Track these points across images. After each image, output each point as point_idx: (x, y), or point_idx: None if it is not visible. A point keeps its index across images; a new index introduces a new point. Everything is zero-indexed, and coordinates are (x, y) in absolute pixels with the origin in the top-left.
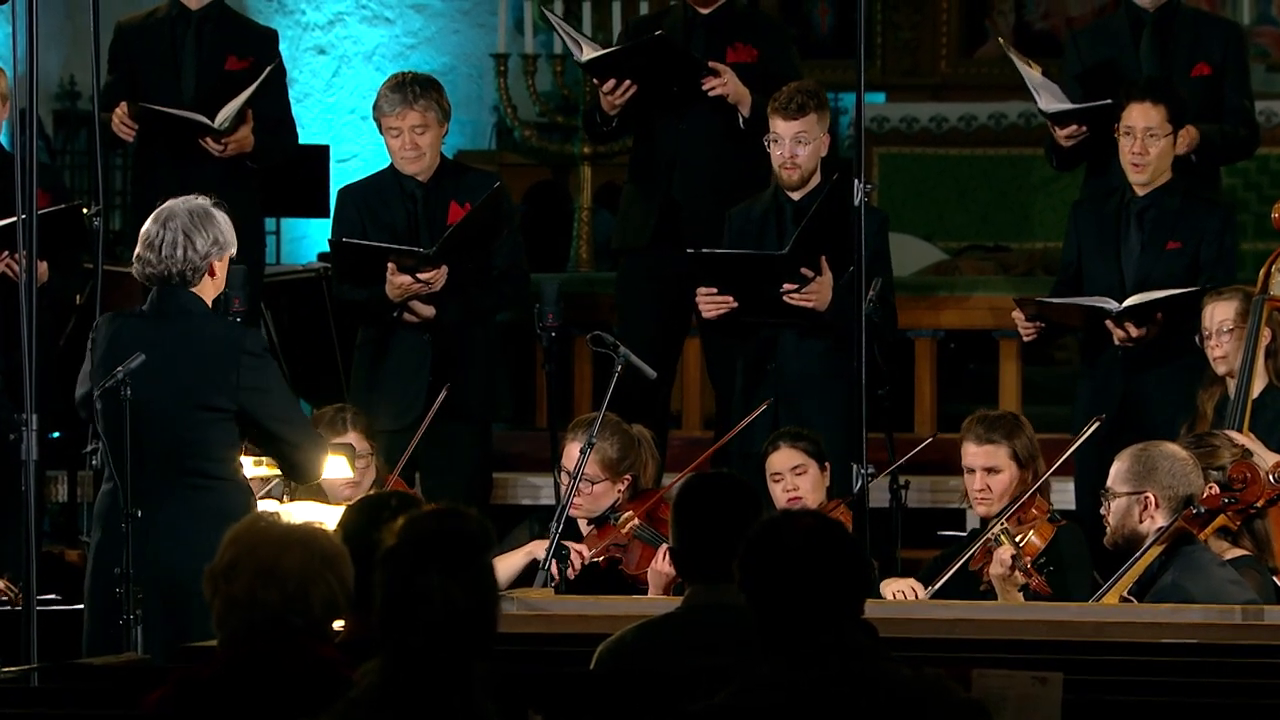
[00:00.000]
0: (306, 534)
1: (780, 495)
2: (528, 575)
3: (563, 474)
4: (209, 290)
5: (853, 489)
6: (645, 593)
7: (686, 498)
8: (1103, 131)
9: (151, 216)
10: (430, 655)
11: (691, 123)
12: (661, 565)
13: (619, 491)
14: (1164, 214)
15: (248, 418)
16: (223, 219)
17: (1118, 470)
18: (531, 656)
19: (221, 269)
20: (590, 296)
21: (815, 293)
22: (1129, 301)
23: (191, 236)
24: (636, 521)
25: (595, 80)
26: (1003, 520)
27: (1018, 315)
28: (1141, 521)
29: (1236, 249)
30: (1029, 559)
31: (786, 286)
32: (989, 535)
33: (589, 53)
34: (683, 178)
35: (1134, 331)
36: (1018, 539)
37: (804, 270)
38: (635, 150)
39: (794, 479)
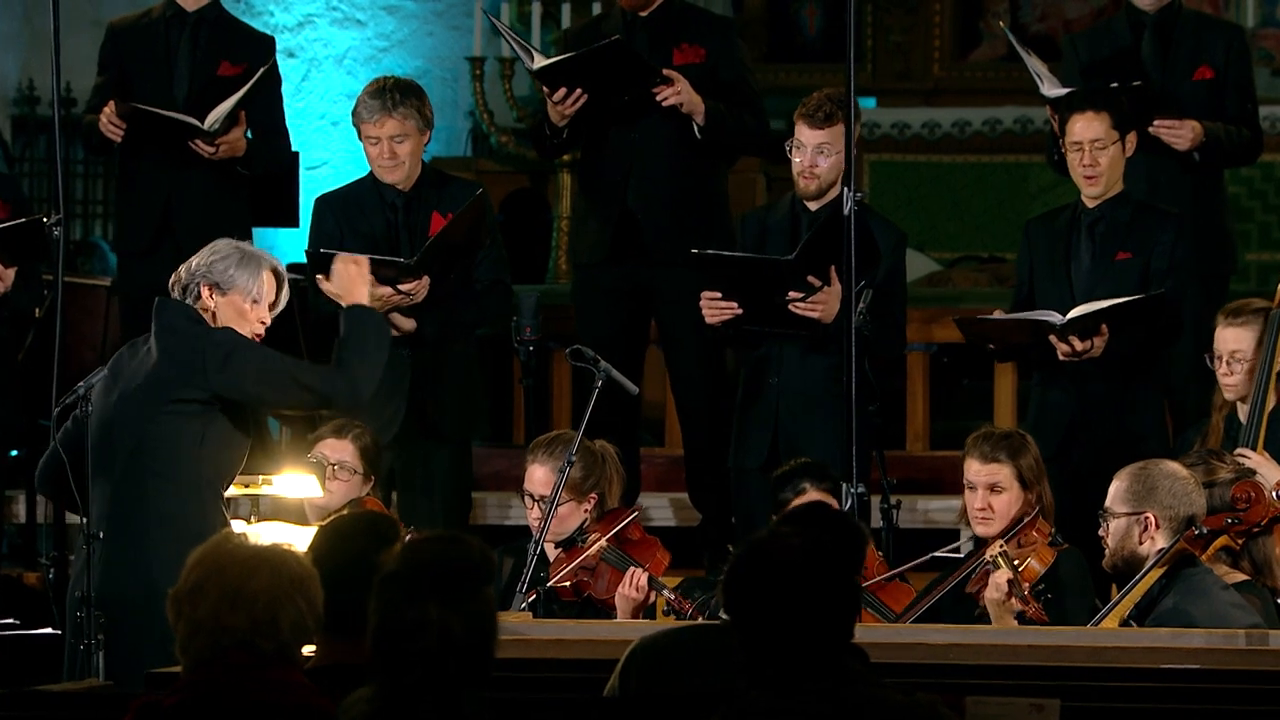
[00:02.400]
0: (275, 555)
1: None
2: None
3: (526, 497)
4: (205, 310)
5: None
6: (614, 617)
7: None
8: None
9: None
10: (425, 686)
11: (644, 132)
12: (628, 590)
13: (585, 511)
14: (1114, 225)
15: (235, 392)
16: (265, 275)
17: (1116, 490)
18: (509, 683)
19: (227, 306)
20: (570, 309)
21: (821, 303)
22: (1072, 314)
23: (217, 255)
24: (604, 544)
25: (545, 89)
26: (1001, 543)
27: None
28: (1141, 543)
29: (1236, 259)
30: (1027, 584)
31: (792, 295)
32: (986, 558)
33: (540, 60)
34: (639, 188)
35: (1078, 345)
36: (1016, 564)
37: (811, 279)
38: (584, 162)
39: None
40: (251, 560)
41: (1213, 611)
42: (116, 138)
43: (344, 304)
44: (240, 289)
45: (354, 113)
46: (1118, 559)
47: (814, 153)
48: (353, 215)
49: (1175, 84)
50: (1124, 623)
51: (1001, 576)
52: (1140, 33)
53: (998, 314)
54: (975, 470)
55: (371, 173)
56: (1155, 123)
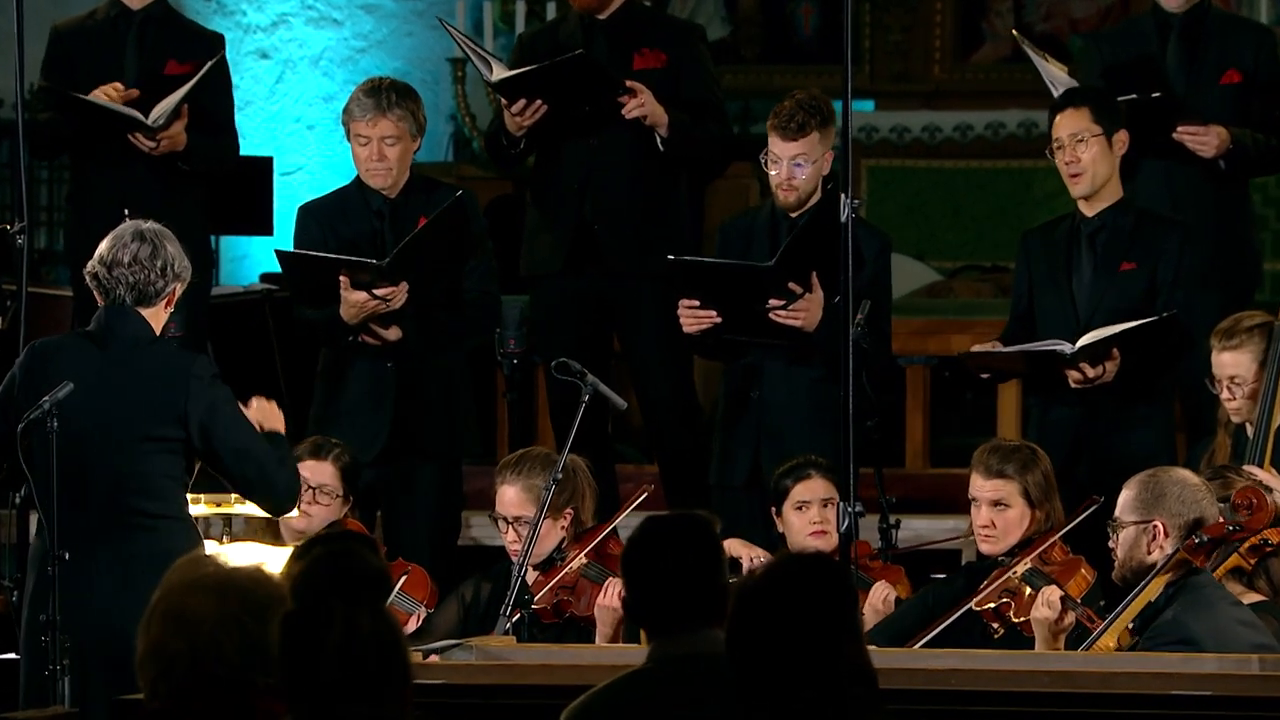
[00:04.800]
0: (224, 577)
1: (803, 525)
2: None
3: (499, 521)
4: (158, 319)
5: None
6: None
7: (638, 544)
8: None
9: (124, 232)
10: (339, 690)
11: (603, 141)
12: (606, 600)
13: (562, 529)
14: (1116, 234)
15: (199, 448)
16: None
17: (1125, 499)
18: (492, 710)
19: (173, 300)
20: None
21: (804, 310)
22: (1082, 341)
23: (171, 251)
24: (583, 559)
25: (504, 101)
26: (1028, 560)
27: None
28: (1150, 552)
29: (1261, 273)
30: (1079, 600)
31: (773, 302)
32: (1010, 577)
33: (499, 72)
34: (597, 199)
35: (1090, 372)
36: (1064, 584)
37: (792, 285)
38: (538, 172)
39: (822, 511)
40: (195, 582)
41: (1216, 627)
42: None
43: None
44: (189, 274)
45: (345, 110)
46: (1126, 570)
47: (790, 165)
48: (336, 222)
49: (1201, 89)
50: (1133, 638)
51: (1053, 593)
52: (1166, 34)
53: (996, 344)
54: (979, 485)
55: (356, 179)
56: (1178, 129)
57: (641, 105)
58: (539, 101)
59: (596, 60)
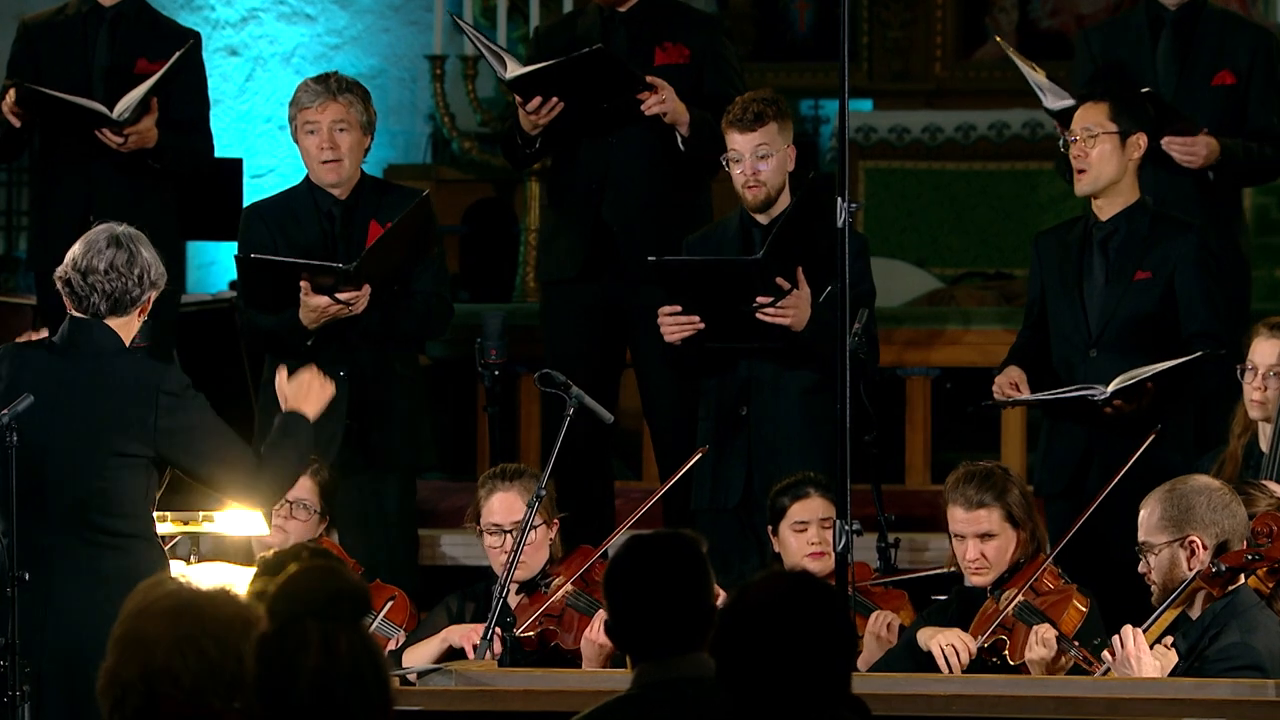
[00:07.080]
0: (180, 599)
1: (801, 547)
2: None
3: (487, 533)
4: (130, 328)
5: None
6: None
7: (621, 565)
8: None
9: (98, 236)
10: (314, 718)
11: (622, 139)
12: (594, 635)
13: (551, 539)
14: (1130, 240)
15: (173, 463)
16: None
17: (1149, 519)
18: None
19: (147, 309)
20: (539, 330)
21: (792, 308)
22: (1114, 386)
23: (147, 258)
24: (569, 588)
25: (519, 98)
26: (1018, 595)
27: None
28: (1191, 569)
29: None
30: (1073, 637)
31: (760, 300)
32: (1004, 615)
33: (514, 69)
34: (615, 200)
35: (1125, 407)
36: (1047, 615)
37: (779, 281)
38: (555, 171)
39: (821, 532)
40: (154, 605)
41: (1270, 647)
42: (17, 123)
43: (285, 406)
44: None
45: (292, 102)
46: (1168, 593)
47: (753, 159)
48: (286, 224)
49: (1191, 89)
50: (1172, 647)
51: (1048, 633)
52: (1159, 30)
53: (1017, 375)
54: (961, 519)
55: (306, 180)
56: (1165, 139)
57: (663, 101)
58: (555, 99)
59: (616, 54)
